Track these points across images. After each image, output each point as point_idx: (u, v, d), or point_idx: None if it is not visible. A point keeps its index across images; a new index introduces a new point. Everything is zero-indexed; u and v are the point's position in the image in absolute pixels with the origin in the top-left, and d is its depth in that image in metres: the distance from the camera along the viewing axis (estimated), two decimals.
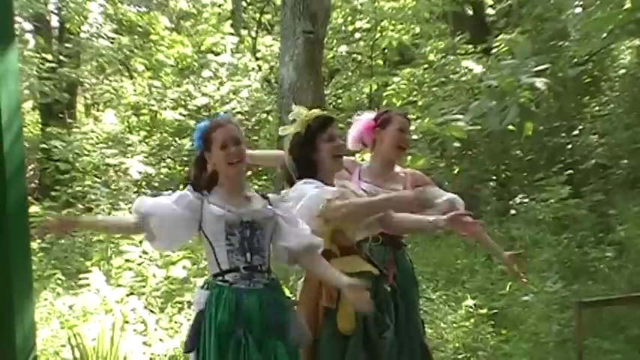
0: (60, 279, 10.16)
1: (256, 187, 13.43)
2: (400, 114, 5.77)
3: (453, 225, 4.98)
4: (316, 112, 4.92)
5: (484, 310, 9.02)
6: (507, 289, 9.57)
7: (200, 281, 9.51)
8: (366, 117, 5.76)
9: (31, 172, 17.13)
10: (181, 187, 13.16)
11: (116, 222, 4.82)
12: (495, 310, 9.18)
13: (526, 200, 12.27)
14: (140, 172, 14.66)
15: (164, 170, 16.06)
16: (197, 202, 4.45)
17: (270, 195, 4.68)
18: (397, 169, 5.75)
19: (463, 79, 14.92)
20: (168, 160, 16.63)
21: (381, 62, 18.17)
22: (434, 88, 15.54)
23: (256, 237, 4.47)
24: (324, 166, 4.82)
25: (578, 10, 14.58)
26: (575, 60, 12.37)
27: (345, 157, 5.14)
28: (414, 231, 5.64)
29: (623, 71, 14.76)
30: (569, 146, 14.11)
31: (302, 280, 4.94)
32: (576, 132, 14.18)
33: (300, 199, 4.62)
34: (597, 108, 14.39)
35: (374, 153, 5.73)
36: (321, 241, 4.55)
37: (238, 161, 4.50)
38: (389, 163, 5.68)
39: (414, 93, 15.65)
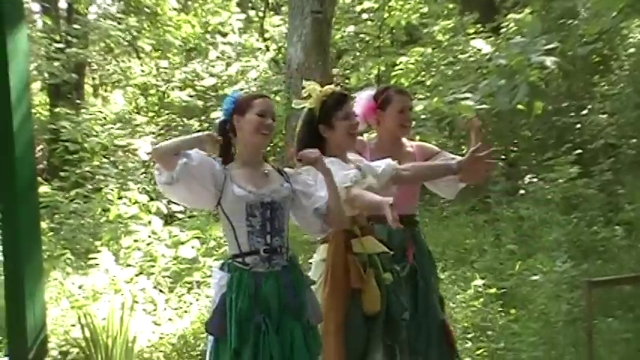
0: (69, 259, 10.19)
1: None
2: (398, 92, 5.72)
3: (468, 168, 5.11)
4: (332, 87, 4.90)
5: (493, 290, 9.02)
6: (517, 268, 9.57)
7: (210, 261, 9.57)
8: (366, 97, 5.71)
9: (40, 153, 17.14)
10: None
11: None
12: (504, 290, 9.18)
13: (535, 180, 12.25)
14: (148, 153, 14.64)
15: None
16: (222, 176, 4.39)
17: (286, 169, 4.65)
18: (405, 143, 5.75)
19: (472, 58, 14.87)
20: None
21: (389, 42, 18.09)
22: (442, 68, 15.48)
23: (277, 218, 4.44)
24: (337, 145, 4.81)
25: None
26: (585, 39, 12.28)
27: None
28: (428, 178, 5.56)
29: (632, 50, 14.68)
30: (578, 126, 14.06)
31: (316, 260, 4.94)
32: (585, 111, 14.12)
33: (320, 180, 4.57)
34: (606, 87, 14.33)
35: (379, 132, 5.72)
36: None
37: (268, 134, 4.48)
38: (395, 140, 5.68)
39: (422, 73, 15.59)
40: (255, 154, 4.52)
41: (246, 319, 4.30)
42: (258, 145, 4.50)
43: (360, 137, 5.75)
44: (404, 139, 5.75)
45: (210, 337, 4.44)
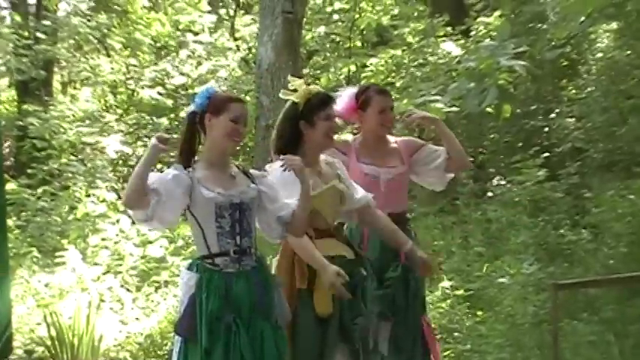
0: (36, 257, 10.13)
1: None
2: (378, 92, 5.72)
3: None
4: (318, 88, 4.93)
5: (460, 292, 9.06)
6: (484, 270, 9.62)
7: (178, 260, 9.55)
8: (348, 95, 5.72)
9: (7, 150, 17.00)
10: (158, 165, 13.18)
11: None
12: (471, 292, 9.22)
13: (503, 182, 12.32)
14: (117, 152, 14.59)
15: (141, 149, 15.99)
16: (188, 182, 4.36)
17: (251, 171, 4.63)
18: (389, 139, 5.77)
19: (441, 61, 14.92)
20: (145, 139, 16.54)
21: (359, 43, 18.12)
22: (412, 70, 15.53)
23: (246, 219, 4.43)
24: (314, 143, 4.83)
25: None
26: (553, 43, 12.36)
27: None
28: (381, 235, 5.50)
29: (600, 55, 14.79)
30: (546, 129, 14.14)
31: (276, 258, 4.94)
32: (553, 115, 14.20)
33: (283, 184, 4.57)
34: (574, 91, 14.43)
35: (362, 131, 5.74)
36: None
37: (239, 141, 4.48)
38: (379, 139, 5.70)
39: (392, 74, 15.62)
40: (222, 157, 4.50)
41: (217, 320, 4.28)
42: (228, 149, 4.49)
43: (344, 138, 5.77)
44: (388, 136, 5.78)
45: (178, 338, 4.41)
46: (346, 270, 4.74)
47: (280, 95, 4.98)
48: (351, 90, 5.80)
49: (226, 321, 4.29)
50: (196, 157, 4.49)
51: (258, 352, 4.33)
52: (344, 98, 5.70)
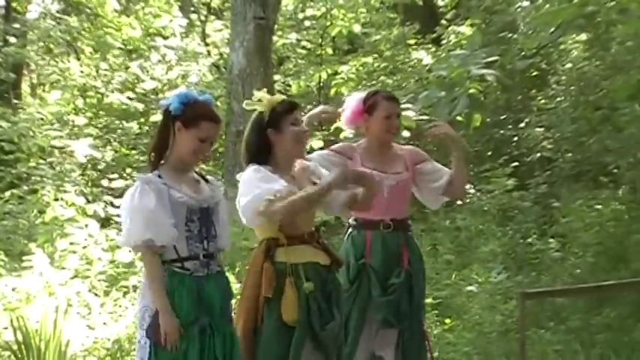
0: (3, 260, 10.03)
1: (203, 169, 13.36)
2: (386, 98, 5.78)
3: None
4: (282, 96, 4.95)
5: (429, 300, 9.08)
6: (452, 278, 9.66)
7: None
8: (356, 99, 5.80)
9: None
10: (128, 170, 13.02)
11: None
12: (440, 300, 9.26)
13: (472, 191, 12.37)
14: (86, 156, 14.51)
15: (110, 153, 15.93)
16: (165, 189, 4.36)
17: (208, 177, 4.68)
18: (395, 146, 5.84)
19: (412, 69, 14.98)
20: (115, 144, 16.49)
21: (330, 51, 18.15)
22: (382, 78, 15.58)
23: (212, 223, 4.48)
24: (285, 151, 4.82)
25: (527, 3, 14.69)
26: (524, 53, 12.44)
27: (342, 143, 5.25)
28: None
29: (570, 65, 14.91)
30: (516, 138, 14.23)
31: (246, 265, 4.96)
32: (523, 124, 14.30)
33: (247, 193, 4.62)
34: (544, 101, 14.53)
35: (367, 136, 5.79)
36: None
37: (202, 158, 4.52)
38: (384, 144, 5.76)
39: (363, 82, 15.67)
40: (183, 165, 4.51)
41: (192, 323, 4.31)
42: (189, 163, 4.52)
43: (350, 142, 5.80)
44: (393, 143, 5.83)
45: (145, 342, 4.37)
46: (320, 277, 4.76)
47: (244, 106, 4.98)
48: (359, 94, 5.89)
49: (201, 324, 4.32)
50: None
51: (228, 355, 4.39)
52: (351, 101, 5.80)
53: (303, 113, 5.21)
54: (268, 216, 4.60)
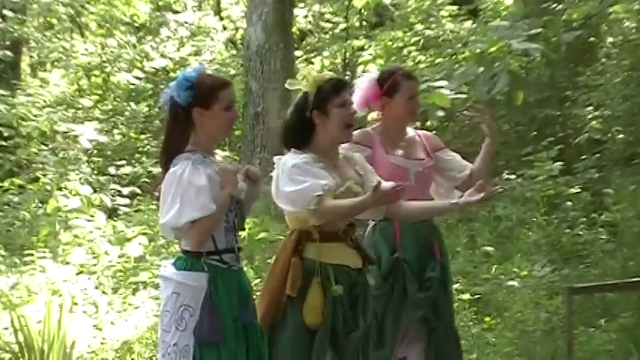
0: (2, 255, 10.10)
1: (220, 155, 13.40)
2: (407, 77, 5.77)
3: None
4: (330, 74, 4.94)
5: (466, 296, 9.07)
6: (492, 272, 9.63)
7: (157, 259, 9.53)
8: (368, 79, 5.76)
9: None
10: (137, 156, 13.03)
11: None
12: (478, 296, 9.24)
13: (513, 177, 12.31)
14: (91, 141, 14.57)
15: (117, 138, 15.97)
16: (214, 174, 4.37)
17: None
18: (410, 130, 5.84)
19: (446, 43, 14.93)
20: (122, 127, 16.52)
21: (357, 24, 18.11)
22: (414, 53, 15.54)
23: (241, 215, 4.55)
24: (329, 137, 4.80)
25: None
26: (571, 24, 12.36)
27: (358, 131, 5.35)
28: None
29: (621, 37, 14.81)
30: (561, 119, 14.15)
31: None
32: (569, 103, 14.22)
33: (291, 184, 4.62)
34: (592, 77, 14.43)
35: (384, 119, 5.77)
36: None
37: (234, 126, 4.63)
38: (403, 128, 5.78)
39: (393, 58, 15.63)
40: (212, 148, 4.56)
41: (238, 319, 4.38)
42: (223, 136, 4.56)
43: (366, 129, 5.79)
44: (407, 127, 5.84)
45: (184, 347, 4.35)
46: (349, 281, 4.77)
47: (287, 86, 4.95)
48: (371, 75, 5.84)
49: (244, 320, 4.40)
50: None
51: (264, 350, 4.53)
52: (364, 83, 5.74)
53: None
54: (318, 215, 4.60)
